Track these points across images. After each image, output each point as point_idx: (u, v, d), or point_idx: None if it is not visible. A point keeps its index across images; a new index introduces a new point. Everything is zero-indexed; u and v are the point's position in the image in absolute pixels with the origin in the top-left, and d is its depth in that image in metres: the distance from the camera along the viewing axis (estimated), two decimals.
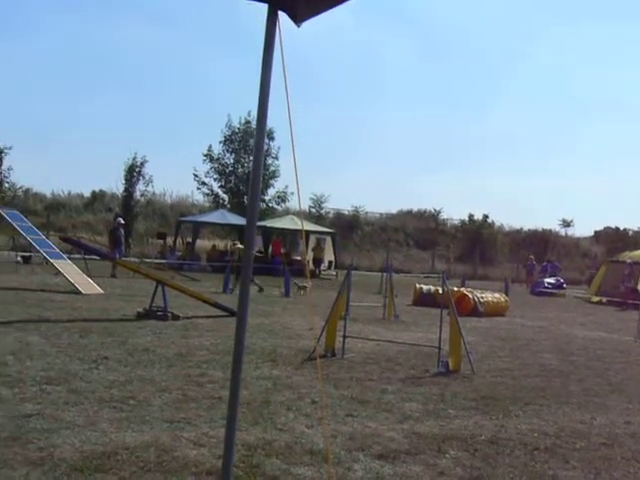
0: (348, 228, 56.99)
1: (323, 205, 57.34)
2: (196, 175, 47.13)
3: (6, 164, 45.50)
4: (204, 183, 47.45)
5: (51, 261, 21.65)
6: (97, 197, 56.28)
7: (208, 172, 47.13)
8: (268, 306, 19.16)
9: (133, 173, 45.76)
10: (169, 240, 40.82)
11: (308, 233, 39.65)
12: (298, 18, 3.27)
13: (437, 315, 12.07)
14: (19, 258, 30.79)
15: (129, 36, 77.19)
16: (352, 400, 8.35)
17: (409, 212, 63.77)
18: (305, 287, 24.45)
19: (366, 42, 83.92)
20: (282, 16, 3.33)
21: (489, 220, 59.86)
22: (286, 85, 3.37)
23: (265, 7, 3.29)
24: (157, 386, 8.39)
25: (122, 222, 29.75)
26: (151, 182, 46.41)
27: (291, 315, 17.38)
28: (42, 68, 74.45)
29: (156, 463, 5.64)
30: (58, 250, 22.61)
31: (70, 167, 71.81)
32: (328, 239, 41.62)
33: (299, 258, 38.07)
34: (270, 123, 46.06)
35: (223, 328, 13.99)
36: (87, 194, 57.22)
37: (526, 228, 64.56)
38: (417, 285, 24.34)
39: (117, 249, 27.48)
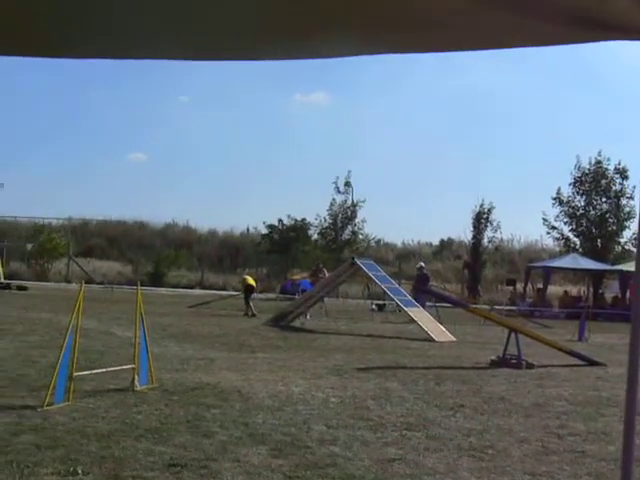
0: None
1: None
2: (545, 219, 46.14)
3: (360, 216, 48.44)
4: (554, 227, 46.23)
5: (404, 309, 22.30)
6: (445, 245, 57.63)
7: (558, 216, 45.97)
8: None
9: (481, 220, 46.27)
10: (519, 286, 40.48)
11: None
12: None
13: None
14: (374, 306, 32.10)
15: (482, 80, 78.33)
16: None
17: None
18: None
19: None
20: None
21: None
22: None
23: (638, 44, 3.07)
24: (515, 436, 8.19)
25: (421, 265, 31.27)
26: (499, 228, 46.66)
27: None
28: (394, 122, 78.00)
29: None
30: (411, 298, 23.21)
31: (419, 217, 74.27)
32: None
33: None
34: (624, 160, 44.30)
35: (581, 378, 13.38)
36: (435, 242, 58.89)
37: None
38: None
39: (421, 294, 26.82)
